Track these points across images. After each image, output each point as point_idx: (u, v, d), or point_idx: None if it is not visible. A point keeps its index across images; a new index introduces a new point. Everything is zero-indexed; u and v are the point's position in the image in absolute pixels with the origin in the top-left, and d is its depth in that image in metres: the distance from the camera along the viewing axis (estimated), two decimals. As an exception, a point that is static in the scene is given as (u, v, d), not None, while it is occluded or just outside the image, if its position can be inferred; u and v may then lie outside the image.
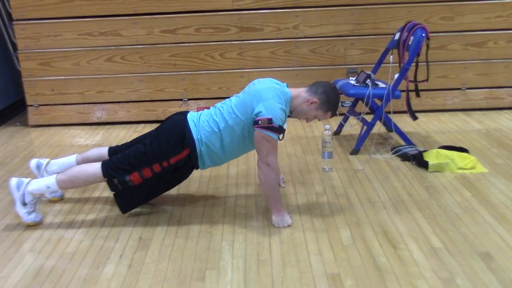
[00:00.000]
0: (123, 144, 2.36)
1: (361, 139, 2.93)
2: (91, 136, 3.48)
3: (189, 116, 2.17)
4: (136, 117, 3.73)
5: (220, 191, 2.51)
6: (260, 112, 1.98)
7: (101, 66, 3.62)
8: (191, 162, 2.14)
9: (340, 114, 3.20)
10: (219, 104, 2.21)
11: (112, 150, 2.32)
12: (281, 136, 2.02)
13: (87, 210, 2.32)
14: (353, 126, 3.32)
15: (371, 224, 2.09)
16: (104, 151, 2.33)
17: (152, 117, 3.73)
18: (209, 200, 2.41)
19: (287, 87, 2.15)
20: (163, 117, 3.69)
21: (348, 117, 3.25)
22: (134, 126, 3.69)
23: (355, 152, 2.92)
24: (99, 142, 3.33)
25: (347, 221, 2.13)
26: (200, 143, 2.11)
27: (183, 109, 3.71)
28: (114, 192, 2.17)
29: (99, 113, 3.71)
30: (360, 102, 3.14)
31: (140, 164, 2.09)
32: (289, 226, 2.09)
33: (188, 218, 2.21)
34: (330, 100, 2.11)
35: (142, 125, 3.70)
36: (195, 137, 2.10)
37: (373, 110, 2.94)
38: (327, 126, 2.72)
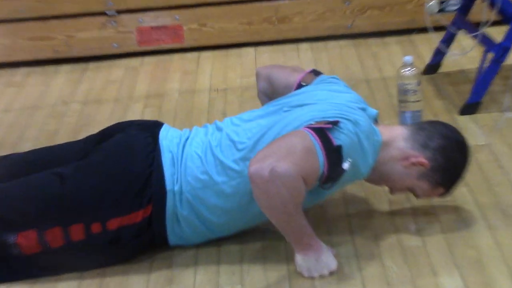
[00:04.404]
0: (10, 156, 2.38)
1: (483, 80, 2.95)
2: None
3: (162, 137, 2.20)
4: (11, 53, 3.78)
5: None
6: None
7: None
8: (151, 232, 2.16)
9: (437, 29, 3.18)
10: (226, 122, 2.23)
11: None
12: (327, 168, 2.01)
13: None
14: (466, 54, 3.29)
15: (507, 263, 2.11)
16: None
17: (46, 52, 3.76)
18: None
19: (377, 121, 2.24)
20: (67, 53, 3.72)
21: (454, 35, 3.24)
22: (8, 72, 3.72)
23: (471, 108, 2.97)
24: None
25: (454, 259, 2.16)
26: (178, 200, 2.14)
27: (107, 33, 3.70)
28: None
29: None
30: (478, 1, 3.13)
31: (44, 217, 2.11)
32: (332, 273, 2.11)
33: (123, 273, 2.21)
34: (449, 166, 2.19)
35: (25, 70, 3.72)
36: (168, 186, 2.12)
37: (507, 17, 2.94)
38: (408, 58, 2.73)
